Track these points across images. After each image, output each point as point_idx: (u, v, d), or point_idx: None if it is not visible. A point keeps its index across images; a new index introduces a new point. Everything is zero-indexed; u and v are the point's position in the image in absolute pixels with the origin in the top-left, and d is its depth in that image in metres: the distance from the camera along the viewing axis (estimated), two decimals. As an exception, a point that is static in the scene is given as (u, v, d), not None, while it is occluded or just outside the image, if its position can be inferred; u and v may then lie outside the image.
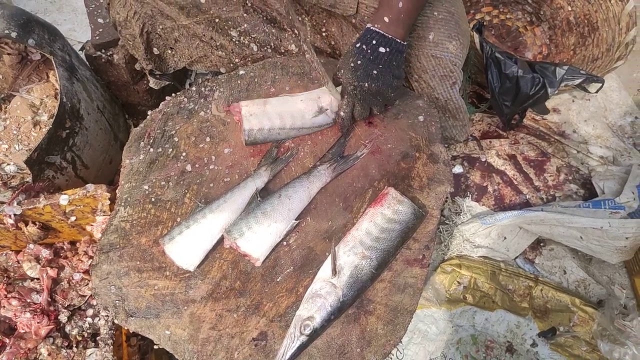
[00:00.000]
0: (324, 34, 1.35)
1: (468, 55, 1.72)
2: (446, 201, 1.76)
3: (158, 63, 1.47)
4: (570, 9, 1.88)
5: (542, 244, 1.69)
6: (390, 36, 1.06)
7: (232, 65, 1.41)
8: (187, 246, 1.04)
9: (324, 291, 0.97)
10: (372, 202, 1.09)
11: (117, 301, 1.05)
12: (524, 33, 2.01)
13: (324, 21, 1.33)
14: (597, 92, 1.55)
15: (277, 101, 1.17)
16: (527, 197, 1.75)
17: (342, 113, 1.14)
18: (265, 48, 1.38)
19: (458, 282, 1.62)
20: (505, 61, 1.56)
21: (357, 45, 1.07)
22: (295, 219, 1.06)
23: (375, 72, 1.06)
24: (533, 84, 1.56)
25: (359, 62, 1.06)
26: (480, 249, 1.65)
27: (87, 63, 1.60)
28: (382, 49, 1.06)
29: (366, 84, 1.07)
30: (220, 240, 1.07)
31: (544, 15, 1.96)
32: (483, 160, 1.82)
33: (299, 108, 1.16)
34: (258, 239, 1.02)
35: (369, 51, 1.06)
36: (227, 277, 1.06)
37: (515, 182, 1.77)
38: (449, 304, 1.59)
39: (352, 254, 1.00)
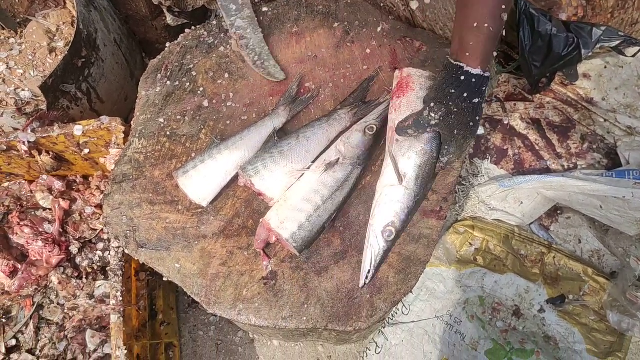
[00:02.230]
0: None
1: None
2: (464, 162, 1.72)
3: (177, 0, 1.42)
4: (613, -32, 1.78)
5: (559, 212, 1.65)
6: (484, 88, 0.91)
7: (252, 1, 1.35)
8: (201, 181, 1.02)
9: (397, 196, 0.95)
10: (395, 91, 1.01)
11: (128, 231, 1.05)
12: (560, -8, 1.91)
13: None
14: (634, 56, 1.47)
15: (294, 189, 1.00)
16: (548, 163, 1.70)
17: (443, 161, 0.97)
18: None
19: (470, 243, 1.61)
20: (539, 18, 1.48)
21: (475, 101, 0.90)
22: (312, 161, 1.03)
23: (472, 123, 0.92)
24: (567, 44, 1.49)
25: (471, 122, 0.91)
26: (495, 212, 1.63)
27: (106, -7, 1.55)
28: (476, 100, 0.90)
29: (455, 131, 0.92)
30: (235, 178, 1.05)
31: (584, -26, 1.86)
32: (506, 123, 1.76)
33: (316, 179, 1.00)
34: (273, 178, 1.00)
35: (465, 107, 0.90)
36: (240, 215, 1.05)
37: (537, 147, 1.72)
38: (458, 264, 1.58)
39: (412, 154, 0.96)
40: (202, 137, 1.11)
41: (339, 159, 1.01)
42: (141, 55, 1.76)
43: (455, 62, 0.89)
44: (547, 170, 1.70)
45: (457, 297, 1.55)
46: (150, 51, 1.81)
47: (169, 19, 1.52)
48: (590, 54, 1.48)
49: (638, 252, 1.60)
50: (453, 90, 0.89)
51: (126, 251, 1.04)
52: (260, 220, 1.00)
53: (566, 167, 1.70)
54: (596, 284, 1.52)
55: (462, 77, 0.89)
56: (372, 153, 1.06)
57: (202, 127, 1.12)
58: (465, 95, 0.89)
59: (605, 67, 1.80)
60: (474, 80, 0.88)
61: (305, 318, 0.97)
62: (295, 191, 1.00)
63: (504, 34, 1.72)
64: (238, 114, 1.13)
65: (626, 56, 1.48)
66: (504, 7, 0.86)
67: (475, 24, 0.85)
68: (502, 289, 1.55)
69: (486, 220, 1.62)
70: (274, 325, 0.98)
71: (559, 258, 1.57)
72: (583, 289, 1.54)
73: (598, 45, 1.46)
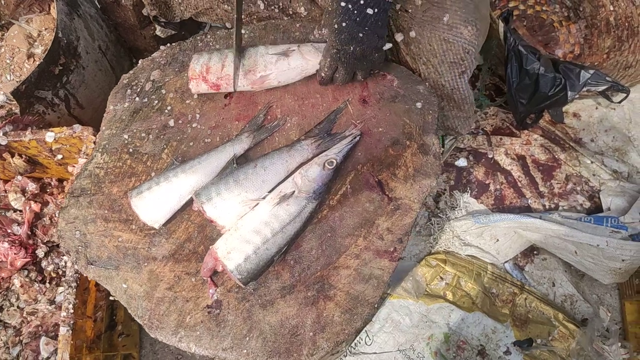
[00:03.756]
0: None
1: (490, 45, 1.62)
2: (443, 193, 1.70)
3: (164, 10, 1.42)
4: (612, 8, 1.75)
5: (535, 252, 1.62)
6: None
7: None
8: (154, 203, 1.01)
9: None
10: None
11: (79, 247, 1.04)
12: (558, 28, 1.88)
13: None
14: (620, 102, 1.45)
15: (245, 219, 1.00)
16: (529, 201, 1.67)
17: (322, 74, 1.09)
18: (273, 7, 1.31)
19: (441, 277, 1.58)
20: (527, 56, 1.46)
21: (342, 4, 1.00)
22: (269, 192, 1.02)
23: (361, 35, 1.01)
24: (554, 84, 1.47)
25: (344, 24, 1.00)
26: (469, 248, 1.60)
27: (95, 1, 1.55)
28: (370, 10, 1.00)
29: (351, 48, 1.02)
30: (190, 202, 1.04)
31: (583, 12, 1.83)
32: (490, 156, 1.74)
33: (269, 211, 0.99)
34: (226, 206, 0.99)
35: (355, 12, 1.00)
36: (191, 240, 1.04)
37: (519, 184, 1.70)
38: (427, 298, 1.55)
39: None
40: (164, 156, 1.10)
41: (294, 191, 1.00)
42: (130, 62, 1.77)
43: None
44: (527, 209, 1.67)
45: (422, 332, 1.52)
46: (139, 57, 1.81)
47: (158, 30, 1.53)
48: (576, 96, 1.45)
49: (612, 301, 1.57)
50: (343, 4, 0.99)
51: (76, 267, 1.04)
52: (210, 247, 0.99)
53: (547, 206, 1.67)
54: (566, 330, 1.49)
55: None
56: (330, 187, 1.05)
57: (165, 146, 1.11)
58: (350, 6, 0.99)
59: (597, 108, 1.78)
60: None
61: (245, 351, 0.96)
62: (246, 222, 0.98)
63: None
64: (202, 136, 1.12)
65: (612, 101, 1.45)
66: None
67: None
68: (468, 327, 1.52)
69: (459, 255, 1.60)
70: (213, 355, 0.97)
71: (530, 300, 1.54)
72: (552, 334, 1.50)
73: (585, 88, 1.43)
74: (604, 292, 1.58)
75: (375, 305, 1.00)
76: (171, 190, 1.02)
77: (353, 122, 1.11)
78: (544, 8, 1.90)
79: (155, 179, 1.03)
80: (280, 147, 1.08)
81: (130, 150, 1.11)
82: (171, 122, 1.13)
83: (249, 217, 0.99)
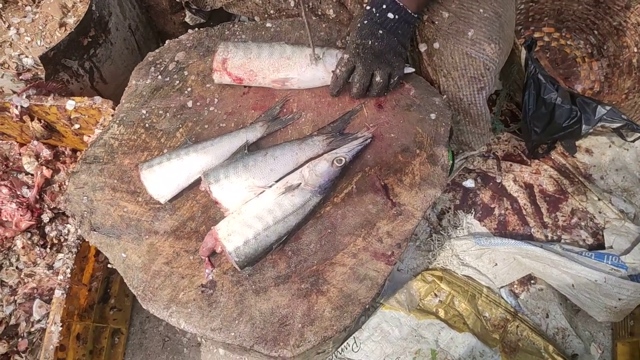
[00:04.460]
0: (365, 5, 1.30)
1: (510, 70, 1.64)
2: (447, 211, 1.70)
3: (196, -3, 1.45)
4: (636, 50, 1.76)
5: (532, 281, 1.62)
6: (401, 4, 1.06)
7: (266, 15, 1.38)
8: (163, 178, 1.03)
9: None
10: None
11: (85, 212, 1.06)
12: (580, 64, 1.89)
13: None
14: (634, 141, 1.45)
15: (249, 204, 1.01)
16: (532, 230, 1.67)
17: (337, 71, 1.10)
18: (303, 6, 1.34)
19: (435, 294, 1.58)
20: (546, 85, 1.47)
21: (367, 7, 1.07)
22: (275, 181, 1.04)
23: (380, 32, 1.06)
24: (569, 116, 1.48)
25: (365, 22, 1.06)
26: (467, 268, 1.60)
27: (131, -19, 1.60)
28: (390, 15, 1.06)
29: (369, 42, 1.06)
30: (198, 181, 1.06)
31: (607, 51, 1.84)
32: (498, 181, 1.74)
33: (273, 199, 1.00)
34: (232, 190, 1.01)
35: (377, 14, 1.06)
36: (194, 219, 1.06)
37: (524, 212, 1.70)
38: (418, 312, 1.55)
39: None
40: (178, 135, 1.13)
41: (300, 183, 1.01)
42: (157, 45, 1.80)
43: None
44: (529, 237, 1.67)
45: (410, 346, 1.52)
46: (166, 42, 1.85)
47: (188, 16, 1.56)
48: (590, 130, 1.46)
49: (604, 340, 1.55)
50: (368, 7, 1.07)
51: (79, 230, 1.06)
52: (212, 227, 1.00)
53: (549, 237, 1.67)
54: (554, 363, 1.47)
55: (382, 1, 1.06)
56: (336, 185, 1.06)
57: (180, 126, 1.13)
58: (374, 9, 1.06)
59: (610, 147, 1.78)
60: (388, 3, 1.05)
61: (233, 334, 0.97)
62: (249, 207, 1.00)
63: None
64: (217, 120, 1.14)
65: (626, 140, 1.46)
66: None
67: None
68: (456, 347, 1.52)
69: (456, 274, 1.60)
70: (202, 334, 0.97)
71: (522, 328, 1.53)
72: (540, 365, 1.49)
73: (599, 124, 1.44)
74: (598, 330, 1.56)
75: (367, 306, 1.01)
76: (181, 168, 1.03)
77: (366, 125, 1.13)
78: (568, 42, 1.92)
79: (167, 155, 1.05)
80: (291, 139, 1.10)
81: (147, 125, 1.14)
82: (189, 103, 1.15)
83: (253, 203, 1.01)
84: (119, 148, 1.12)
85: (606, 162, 1.76)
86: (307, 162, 1.07)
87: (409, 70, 1.12)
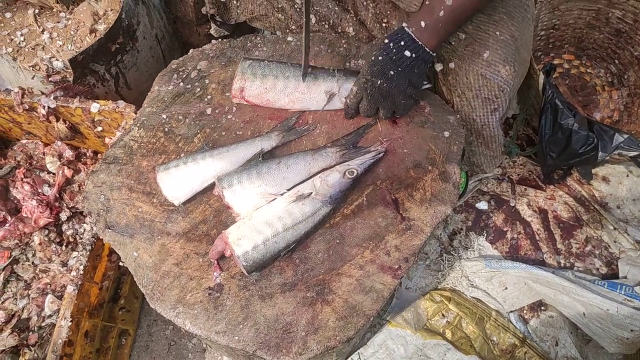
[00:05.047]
0: (384, 25, 1.33)
1: (528, 95, 1.65)
2: (459, 232, 1.70)
3: (222, 10, 1.50)
4: (657, 80, 1.75)
5: (542, 307, 1.59)
6: (420, 42, 1.04)
7: (288, 30, 1.42)
8: (178, 181, 1.06)
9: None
10: None
11: (101, 210, 1.09)
12: (599, 92, 1.89)
13: (388, 12, 1.31)
14: (650, 170, 1.43)
15: (260, 210, 1.03)
16: (545, 256, 1.65)
17: (347, 101, 1.13)
18: (323, 23, 1.38)
19: (443, 314, 1.56)
20: (563, 110, 1.47)
21: (385, 41, 1.05)
22: (287, 189, 1.06)
23: (392, 72, 1.04)
24: (586, 143, 1.47)
25: (380, 57, 1.04)
26: (476, 290, 1.59)
27: (161, -8, 1.66)
28: (407, 53, 1.04)
29: (378, 82, 1.05)
30: (212, 186, 1.08)
31: (627, 81, 1.84)
32: (512, 205, 1.73)
33: (284, 207, 1.02)
34: (244, 195, 1.03)
35: (394, 50, 1.04)
36: (206, 222, 1.08)
37: (537, 237, 1.68)
38: (425, 332, 1.54)
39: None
40: (196, 141, 1.16)
41: (311, 193, 1.03)
42: (181, 55, 1.85)
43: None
44: (541, 263, 1.65)
45: (415, 365, 1.50)
46: (191, 53, 1.90)
47: (213, 28, 1.61)
48: (607, 157, 1.45)
49: (615, 372, 1.51)
50: (386, 41, 1.05)
51: (94, 228, 1.09)
52: (222, 231, 1.02)
53: (562, 264, 1.65)
54: (562, 392, 1.44)
55: (399, 34, 1.04)
56: (347, 196, 1.08)
57: (198, 131, 1.17)
58: (391, 44, 1.04)
59: (627, 176, 1.76)
60: (407, 40, 1.04)
61: (237, 338, 0.98)
62: (260, 213, 1.02)
63: (527, 117, 1.72)
64: (235, 128, 1.17)
65: (643, 169, 1.45)
66: None
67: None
68: (462, 370, 1.50)
69: (465, 295, 1.58)
70: (206, 336, 0.99)
71: (530, 355, 1.51)
72: (547, 395, 1.46)
73: (616, 152, 1.43)
74: (609, 361, 1.53)
75: (371, 319, 1.01)
76: (196, 172, 1.06)
77: (380, 139, 1.14)
78: (588, 70, 1.92)
79: (184, 159, 1.08)
80: (305, 149, 1.12)
81: (166, 129, 1.17)
82: (208, 111, 1.19)
83: (264, 210, 1.03)
84: (138, 150, 1.15)
85: (623, 192, 1.74)
86: (319, 172, 1.08)
87: (425, 86, 1.13)
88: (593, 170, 1.73)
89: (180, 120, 1.18)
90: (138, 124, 1.18)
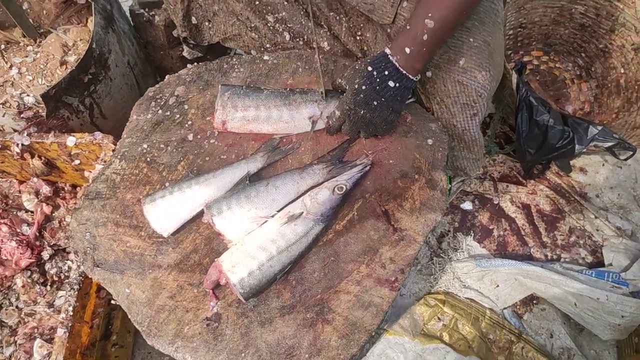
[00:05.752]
0: (358, 38, 1.34)
1: (502, 94, 1.68)
2: (447, 234, 1.71)
3: (194, 33, 1.49)
4: (623, 71, 1.81)
5: (534, 301, 1.62)
6: (404, 72, 1.04)
7: (262, 49, 1.42)
8: (166, 211, 1.04)
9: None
10: None
11: (88, 248, 1.06)
12: (569, 86, 1.94)
13: (361, 25, 1.32)
14: (626, 159, 1.47)
15: (253, 235, 1.02)
16: (532, 250, 1.68)
17: (330, 122, 1.14)
18: (298, 39, 1.38)
19: (438, 317, 1.57)
20: (538, 107, 1.50)
21: (369, 69, 1.04)
22: (277, 211, 1.05)
23: (375, 103, 1.05)
24: (562, 137, 1.50)
25: (364, 87, 1.04)
26: (469, 291, 1.60)
27: (130, 18, 1.64)
28: (391, 83, 1.04)
29: (362, 112, 1.06)
30: (201, 214, 1.07)
31: (595, 73, 1.89)
32: (495, 203, 1.76)
33: (276, 229, 1.02)
34: (234, 221, 1.01)
35: (377, 80, 1.04)
36: (197, 251, 1.06)
37: (522, 233, 1.71)
38: (423, 337, 1.54)
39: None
40: (180, 168, 1.14)
41: (302, 212, 1.02)
42: (155, 80, 1.83)
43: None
44: (529, 257, 1.68)
45: (416, 372, 1.50)
46: (164, 77, 1.88)
47: (185, 51, 1.60)
48: (584, 150, 1.48)
49: (610, 358, 1.55)
50: (370, 69, 1.04)
51: (82, 267, 1.06)
52: (215, 260, 1.01)
53: (549, 257, 1.68)
54: (562, 384, 1.46)
55: (383, 63, 1.03)
56: (338, 213, 1.07)
57: (181, 159, 1.15)
58: (375, 73, 1.04)
59: (603, 165, 1.81)
60: (391, 69, 1.03)
61: (240, 367, 0.96)
62: (253, 237, 1.01)
63: (493, 110, 1.75)
64: (218, 152, 1.16)
65: (619, 159, 1.48)
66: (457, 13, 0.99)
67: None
68: (463, 372, 1.50)
69: (458, 297, 1.59)
70: (208, 368, 0.97)
71: (527, 349, 1.52)
72: (547, 387, 1.48)
73: (592, 143, 1.47)
74: (603, 348, 1.56)
75: (372, 334, 1.01)
76: (184, 201, 1.04)
77: (365, 152, 1.15)
78: (557, 65, 1.96)
79: (170, 189, 1.06)
80: (292, 168, 1.12)
81: (148, 159, 1.15)
82: (190, 136, 1.17)
83: (257, 234, 1.02)
84: (121, 183, 1.13)
85: (601, 181, 1.79)
86: (308, 190, 1.08)
87: (409, 100, 1.14)
88: (571, 162, 1.77)
89: (162, 148, 1.16)
90: (119, 156, 1.15)
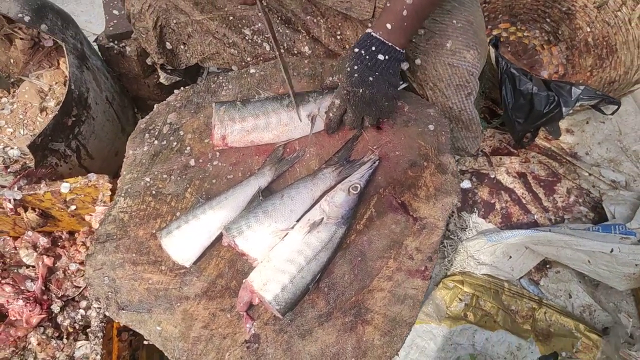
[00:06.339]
0: (338, 37, 1.34)
1: (483, 69, 1.70)
2: (452, 215, 1.73)
3: (170, 58, 1.46)
4: (589, 30, 1.86)
5: (547, 266, 1.65)
6: (390, 44, 1.05)
7: (243, 63, 1.40)
8: (184, 241, 1.01)
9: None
10: None
11: (109, 293, 1.03)
12: (540, 52, 1.99)
13: (340, 24, 1.31)
14: (612, 114, 1.52)
15: (277, 249, 1.01)
16: (535, 217, 1.71)
17: (330, 114, 1.12)
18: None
19: (460, 298, 1.58)
20: (520, 77, 1.53)
21: (356, 50, 1.05)
22: (296, 221, 1.04)
23: (371, 78, 1.05)
24: (547, 102, 1.54)
25: (356, 67, 1.05)
26: (484, 267, 1.62)
27: (99, 53, 1.60)
28: (380, 57, 1.05)
29: (361, 90, 1.05)
30: (219, 238, 1.05)
31: (562, 35, 1.94)
32: (492, 176, 1.78)
33: (300, 239, 1.00)
34: (257, 238, 1.00)
35: (367, 57, 1.05)
36: (223, 276, 1.04)
37: (523, 201, 1.74)
38: (449, 320, 1.55)
39: None
40: (188, 196, 1.11)
41: (323, 218, 1.01)
42: (133, 111, 1.79)
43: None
44: (534, 224, 1.71)
45: (448, 355, 1.51)
46: (141, 107, 1.85)
47: (162, 77, 1.56)
48: (570, 111, 1.52)
49: (629, 307, 1.59)
50: (357, 50, 1.05)
51: (107, 313, 1.02)
52: (243, 281, 0.99)
53: (553, 220, 1.71)
54: (589, 340, 1.49)
55: (367, 41, 1.05)
56: (356, 212, 1.07)
57: (187, 186, 1.12)
58: (363, 52, 1.05)
59: (587, 123, 1.85)
60: (377, 44, 1.05)
61: (288, 383, 0.95)
62: (278, 252, 0.99)
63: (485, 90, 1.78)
64: (224, 173, 1.14)
65: (605, 114, 1.52)
66: None
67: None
68: (493, 347, 1.52)
69: (475, 275, 1.61)
70: (256, 391, 0.95)
71: (549, 313, 1.55)
72: (576, 346, 1.51)
73: (578, 104, 1.50)
74: (620, 299, 1.60)
75: (412, 325, 1.00)
76: (201, 227, 1.02)
77: (370, 148, 1.15)
78: (525, 34, 2.01)
79: (184, 218, 1.03)
80: (303, 176, 1.11)
81: (153, 192, 1.12)
82: (192, 162, 1.15)
83: (280, 248, 1.00)
84: (130, 221, 1.09)
85: (587, 138, 1.83)
86: (322, 195, 1.07)
87: (402, 85, 1.14)
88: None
89: (166, 179, 1.14)
90: (122, 194, 1.12)
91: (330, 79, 1.11)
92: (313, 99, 1.14)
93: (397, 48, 1.06)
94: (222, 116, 1.12)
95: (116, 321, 1.03)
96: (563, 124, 1.85)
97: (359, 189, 1.04)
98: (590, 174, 1.76)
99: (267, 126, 1.13)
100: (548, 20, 1.96)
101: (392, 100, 1.10)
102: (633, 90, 1.56)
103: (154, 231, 1.07)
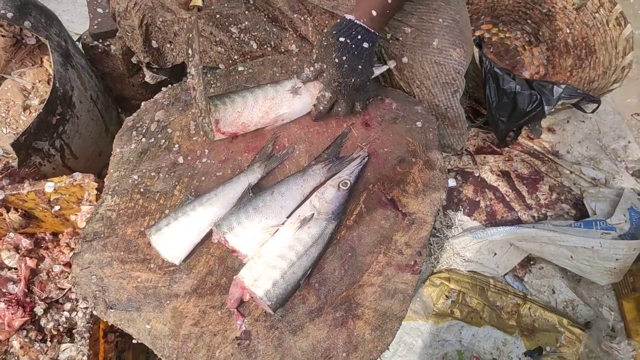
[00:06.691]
0: (325, 36, 1.34)
1: (467, 69, 1.73)
2: (438, 213, 1.75)
3: (156, 57, 1.45)
4: (568, 31, 1.90)
5: (532, 262, 1.68)
6: (373, 31, 1.08)
7: (230, 62, 1.40)
8: (174, 238, 1.00)
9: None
10: None
11: (97, 292, 1.01)
12: (522, 52, 2.02)
13: (326, 22, 1.32)
14: (593, 112, 1.55)
15: (268, 245, 1.00)
16: (519, 214, 1.74)
17: (320, 107, 1.13)
18: (265, 46, 1.37)
19: (446, 295, 1.60)
20: (503, 76, 1.56)
21: (341, 39, 1.06)
22: (287, 217, 1.04)
23: (360, 67, 1.07)
24: (530, 101, 1.57)
25: (344, 57, 1.06)
26: (470, 264, 1.64)
27: (83, 52, 1.58)
28: (365, 44, 1.07)
29: (352, 80, 1.07)
30: (209, 235, 1.04)
31: (543, 36, 1.98)
32: (476, 175, 1.81)
33: (291, 235, 1.00)
34: (248, 235, 0.99)
35: (353, 46, 1.06)
36: (213, 273, 1.03)
37: (507, 199, 1.77)
38: (436, 317, 1.57)
39: None
40: (176, 193, 1.11)
41: (313, 214, 1.01)
42: (117, 111, 1.77)
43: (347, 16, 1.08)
44: (518, 221, 1.74)
45: (436, 352, 1.52)
46: (125, 106, 1.83)
47: (148, 76, 1.55)
48: (552, 110, 1.55)
49: (610, 302, 1.62)
50: (342, 39, 1.06)
51: (95, 312, 1.01)
52: (234, 277, 0.99)
53: (536, 217, 1.74)
54: (572, 334, 1.52)
55: (353, 29, 1.06)
56: (346, 208, 1.08)
57: (176, 183, 1.12)
58: (349, 41, 1.06)
59: (568, 122, 1.90)
60: (362, 32, 1.07)
61: (280, 379, 0.94)
62: (269, 248, 0.99)
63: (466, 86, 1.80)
64: (213, 170, 1.13)
65: (586, 112, 1.56)
66: None
67: None
68: (479, 342, 1.54)
69: (461, 272, 1.63)
70: (248, 388, 0.94)
71: (534, 309, 1.58)
72: (559, 340, 1.54)
73: (559, 102, 1.53)
74: (601, 293, 1.64)
75: (402, 320, 1.01)
76: (190, 224, 1.01)
77: (359, 145, 1.15)
78: (506, 35, 2.05)
79: (173, 215, 1.02)
80: (293, 173, 1.11)
81: (141, 190, 1.11)
82: (180, 159, 1.14)
83: (271, 244, 1.00)
84: (118, 219, 1.08)
85: (568, 137, 1.88)
86: (312, 192, 1.07)
87: (383, 67, 1.15)
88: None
89: (154, 176, 1.12)
90: (110, 192, 1.11)
91: (312, 68, 1.11)
92: (295, 75, 1.18)
93: (378, 34, 1.09)
94: (214, 102, 1.12)
95: (104, 321, 1.01)
96: (545, 123, 1.89)
97: (348, 185, 1.05)
98: (571, 172, 1.79)
99: (255, 104, 1.12)
100: (529, 21, 2.00)
101: (372, 82, 1.15)
102: (612, 89, 1.61)
103: (143, 229, 1.06)
